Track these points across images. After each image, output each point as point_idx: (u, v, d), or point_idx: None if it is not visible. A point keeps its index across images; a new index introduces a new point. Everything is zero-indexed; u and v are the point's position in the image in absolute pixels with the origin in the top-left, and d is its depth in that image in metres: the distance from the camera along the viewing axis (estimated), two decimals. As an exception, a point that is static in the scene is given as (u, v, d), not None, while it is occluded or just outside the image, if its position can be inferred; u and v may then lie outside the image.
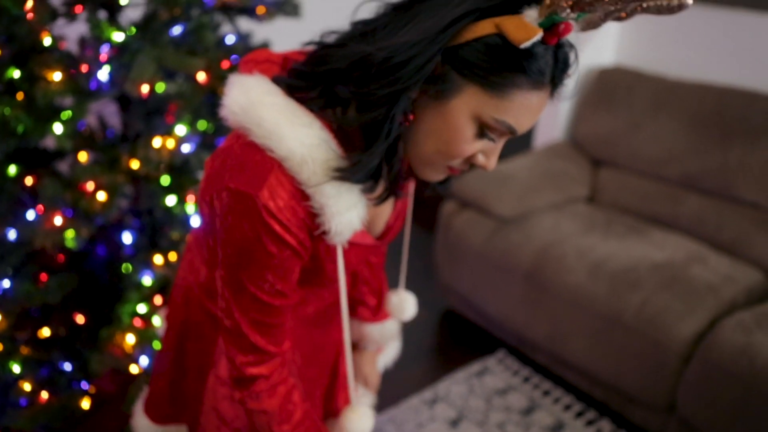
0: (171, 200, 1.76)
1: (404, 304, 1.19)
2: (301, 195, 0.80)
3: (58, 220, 1.58)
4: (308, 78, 0.81)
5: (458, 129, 0.76)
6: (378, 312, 1.21)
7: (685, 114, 2.47)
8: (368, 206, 0.86)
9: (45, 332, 1.76)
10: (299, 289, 0.94)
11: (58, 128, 1.64)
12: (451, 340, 2.55)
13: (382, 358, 1.28)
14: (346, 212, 0.81)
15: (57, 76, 1.61)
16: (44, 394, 1.70)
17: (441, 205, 2.61)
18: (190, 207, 1.76)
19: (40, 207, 1.60)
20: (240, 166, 0.80)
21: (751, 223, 2.27)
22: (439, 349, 2.51)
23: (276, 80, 0.82)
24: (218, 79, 1.79)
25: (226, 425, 1.07)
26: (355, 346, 1.23)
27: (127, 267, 1.76)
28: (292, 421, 0.91)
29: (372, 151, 0.78)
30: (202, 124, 1.82)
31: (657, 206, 2.49)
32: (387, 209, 1.00)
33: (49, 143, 1.76)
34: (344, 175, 0.79)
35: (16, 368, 1.71)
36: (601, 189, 2.67)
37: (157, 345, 1.68)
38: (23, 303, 1.64)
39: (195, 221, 1.77)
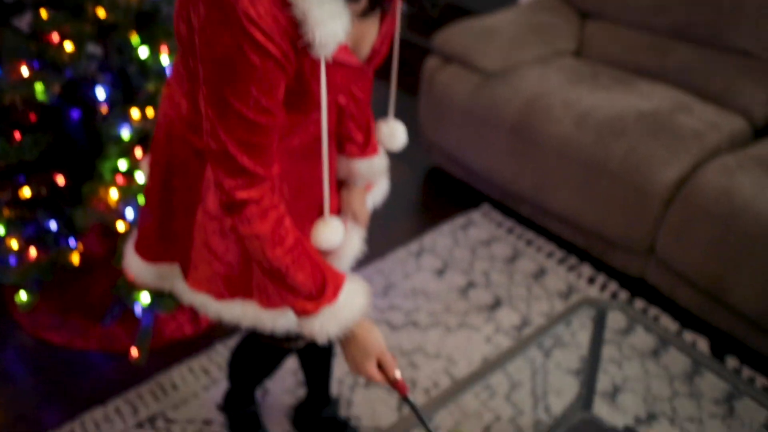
0: (144, 52, 1.67)
1: (395, 132, 1.18)
2: (282, 2, 0.76)
3: (24, 72, 1.50)
4: None
5: None
6: (366, 148, 1.19)
7: (679, -42, 2.35)
8: (353, 22, 0.83)
9: (26, 193, 1.73)
10: (286, 116, 0.91)
11: (11, -28, 1.53)
12: (435, 196, 2.57)
13: (371, 196, 1.28)
14: (330, 21, 0.78)
15: None
16: (32, 251, 1.71)
17: (423, 65, 2.53)
18: (164, 58, 1.68)
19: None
20: None
21: (739, 71, 2.24)
22: (424, 205, 2.53)
23: None
24: None
25: (218, 259, 1.08)
26: (345, 183, 1.22)
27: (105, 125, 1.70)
28: (285, 245, 0.91)
29: None
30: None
31: (644, 58, 2.43)
32: (372, 31, 0.95)
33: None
34: None
35: (1, 229, 1.70)
36: (588, 42, 2.59)
37: (142, 199, 1.66)
38: (-1, 160, 1.60)
39: (170, 71, 1.69)
